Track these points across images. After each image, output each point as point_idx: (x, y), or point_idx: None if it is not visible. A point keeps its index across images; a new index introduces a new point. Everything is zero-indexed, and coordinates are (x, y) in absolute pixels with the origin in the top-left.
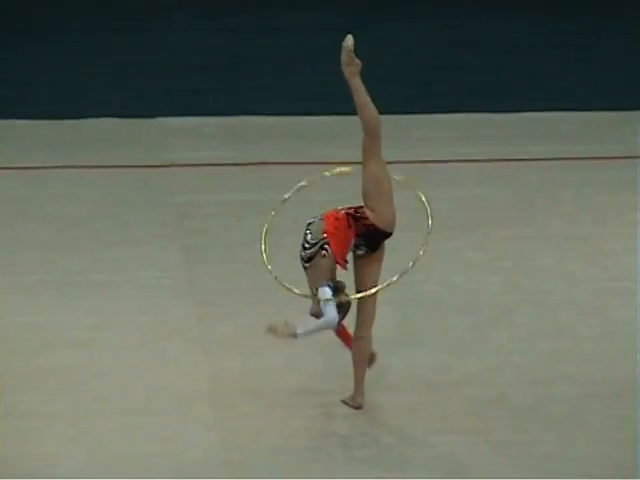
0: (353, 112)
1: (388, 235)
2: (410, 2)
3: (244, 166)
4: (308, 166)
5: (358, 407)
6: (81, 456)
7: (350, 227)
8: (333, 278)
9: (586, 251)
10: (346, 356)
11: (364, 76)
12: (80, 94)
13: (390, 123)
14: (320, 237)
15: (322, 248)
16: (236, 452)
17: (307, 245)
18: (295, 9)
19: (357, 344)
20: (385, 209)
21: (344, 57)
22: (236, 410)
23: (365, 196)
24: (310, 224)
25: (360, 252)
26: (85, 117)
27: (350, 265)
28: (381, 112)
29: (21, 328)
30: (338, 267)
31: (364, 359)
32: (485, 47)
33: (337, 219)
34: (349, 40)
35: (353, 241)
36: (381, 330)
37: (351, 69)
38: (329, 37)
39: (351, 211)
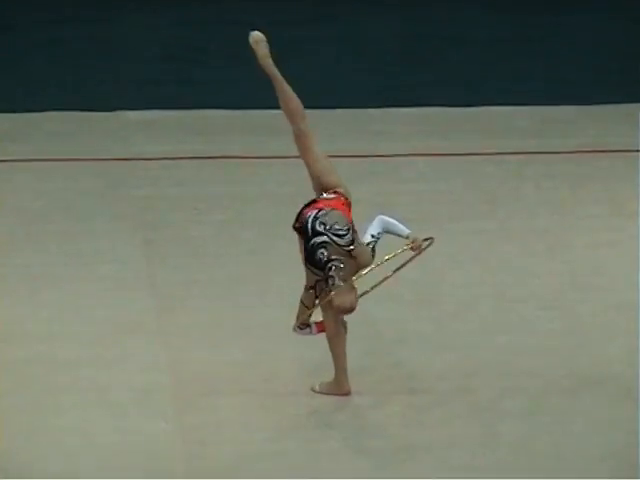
0: (315, 107)
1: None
2: None
3: (204, 159)
4: (267, 160)
5: (344, 394)
6: (36, 450)
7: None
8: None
9: (546, 245)
10: (312, 350)
11: (325, 67)
12: (38, 87)
13: (351, 117)
14: (348, 224)
15: (334, 266)
16: (195, 445)
17: (342, 232)
18: (252, 1)
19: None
20: (340, 179)
21: (251, 40)
22: (196, 404)
23: (325, 177)
24: (320, 215)
25: None
26: (44, 110)
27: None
28: (341, 106)
29: None
30: None
31: (337, 344)
32: (445, 40)
33: (345, 205)
34: (255, 36)
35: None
36: None
37: (259, 51)
38: (290, 30)
39: (339, 195)
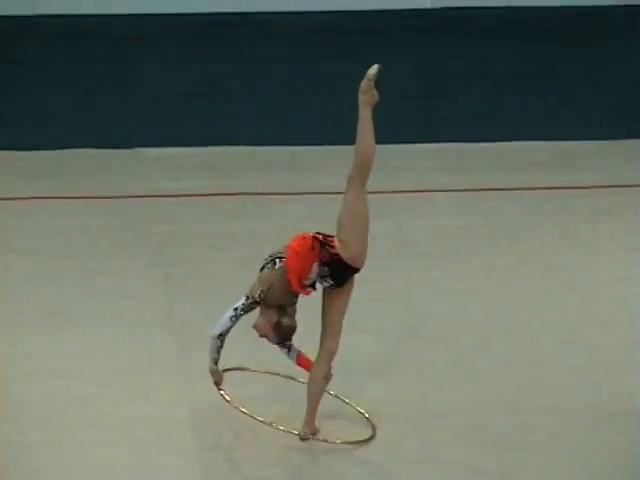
0: (333, 143)
1: (355, 270)
2: (394, 33)
3: (223, 196)
4: (287, 196)
5: (305, 438)
6: None
7: (314, 249)
8: (288, 302)
9: (565, 280)
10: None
11: (343, 103)
12: (58, 125)
13: None
14: (279, 251)
15: (274, 261)
16: None
17: (266, 257)
18: (276, 38)
19: (312, 377)
20: (354, 243)
21: (363, 84)
22: (216, 439)
23: (339, 227)
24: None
25: (326, 284)
26: (63, 148)
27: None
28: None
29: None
30: (302, 293)
31: (317, 392)
32: (465, 76)
33: (303, 238)
34: (373, 69)
35: (316, 268)
36: (359, 360)
37: (366, 98)
38: (310, 67)
39: (320, 236)
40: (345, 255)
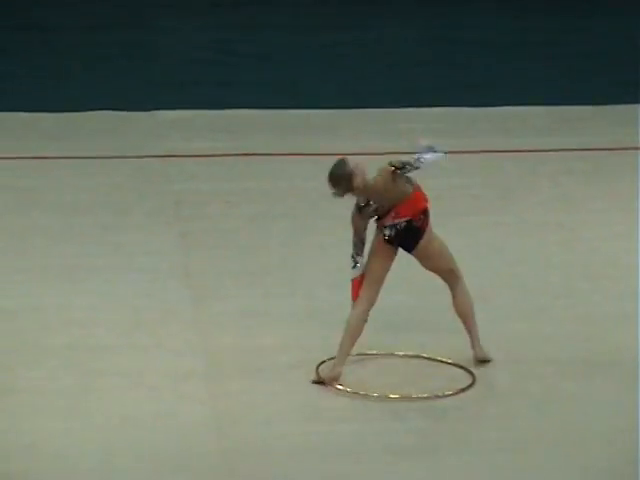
0: (340, 107)
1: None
2: (396, 2)
3: (235, 156)
4: (296, 157)
5: (334, 377)
6: (77, 431)
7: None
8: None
9: (561, 237)
10: (338, 335)
11: (353, 69)
12: (80, 88)
13: (378, 116)
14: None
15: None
16: (229, 425)
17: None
18: (282, 7)
19: (352, 314)
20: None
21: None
22: (230, 386)
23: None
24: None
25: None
26: (84, 110)
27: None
28: (369, 105)
29: (25, 309)
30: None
31: (352, 332)
32: (465, 44)
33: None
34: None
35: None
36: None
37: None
38: (314, 34)
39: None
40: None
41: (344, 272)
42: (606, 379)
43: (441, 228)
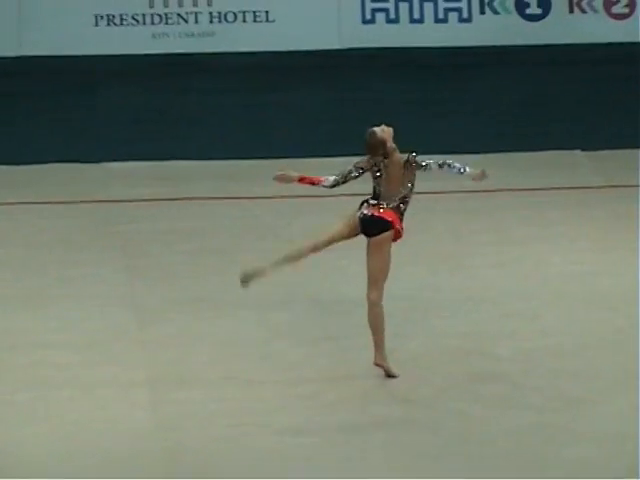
0: (264, 157)
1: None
2: (309, 69)
3: (172, 201)
4: (224, 200)
5: (387, 371)
6: (38, 437)
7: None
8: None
9: (449, 266)
10: (275, 347)
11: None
12: (38, 144)
13: (292, 165)
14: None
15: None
16: (170, 429)
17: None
18: (214, 74)
19: (370, 311)
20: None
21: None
22: (170, 396)
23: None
24: None
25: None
26: (43, 163)
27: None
28: (285, 156)
29: None
30: None
31: (378, 324)
32: (366, 103)
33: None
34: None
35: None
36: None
37: None
38: (238, 96)
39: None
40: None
41: (264, 299)
42: (488, 391)
43: (346, 259)
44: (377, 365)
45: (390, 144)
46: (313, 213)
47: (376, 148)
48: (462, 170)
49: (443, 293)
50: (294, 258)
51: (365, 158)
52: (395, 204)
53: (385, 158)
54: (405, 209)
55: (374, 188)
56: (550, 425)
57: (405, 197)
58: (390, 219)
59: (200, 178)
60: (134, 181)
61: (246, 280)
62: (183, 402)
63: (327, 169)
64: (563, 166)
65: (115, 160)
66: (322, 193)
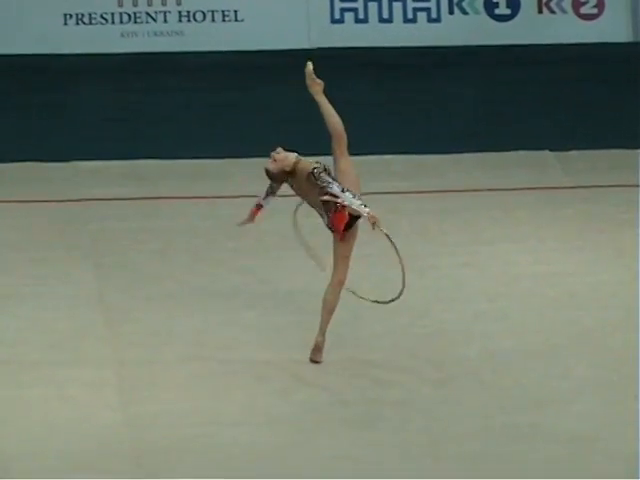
0: (231, 156)
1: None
2: (278, 68)
3: (142, 200)
4: (194, 200)
5: (316, 346)
6: (8, 436)
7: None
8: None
9: (418, 266)
10: (244, 345)
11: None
12: (10, 143)
13: (261, 164)
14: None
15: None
16: (139, 428)
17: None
18: (183, 73)
19: (333, 290)
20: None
21: (307, 80)
22: (139, 395)
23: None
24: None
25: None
26: (13, 162)
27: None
28: (255, 155)
29: None
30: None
31: (335, 305)
32: (336, 103)
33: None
34: (309, 66)
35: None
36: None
37: (315, 88)
38: (207, 95)
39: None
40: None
41: (233, 296)
42: (457, 391)
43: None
44: (317, 344)
45: (287, 167)
46: (283, 212)
47: (278, 179)
48: (360, 209)
49: (412, 293)
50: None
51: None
52: (325, 207)
53: (291, 177)
54: (338, 198)
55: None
56: (519, 425)
57: (327, 200)
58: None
59: (169, 177)
60: (103, 180)
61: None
62: (153, 401)
63: None
64: (532, 166)
65: (84, 159)
66: (292, 192)
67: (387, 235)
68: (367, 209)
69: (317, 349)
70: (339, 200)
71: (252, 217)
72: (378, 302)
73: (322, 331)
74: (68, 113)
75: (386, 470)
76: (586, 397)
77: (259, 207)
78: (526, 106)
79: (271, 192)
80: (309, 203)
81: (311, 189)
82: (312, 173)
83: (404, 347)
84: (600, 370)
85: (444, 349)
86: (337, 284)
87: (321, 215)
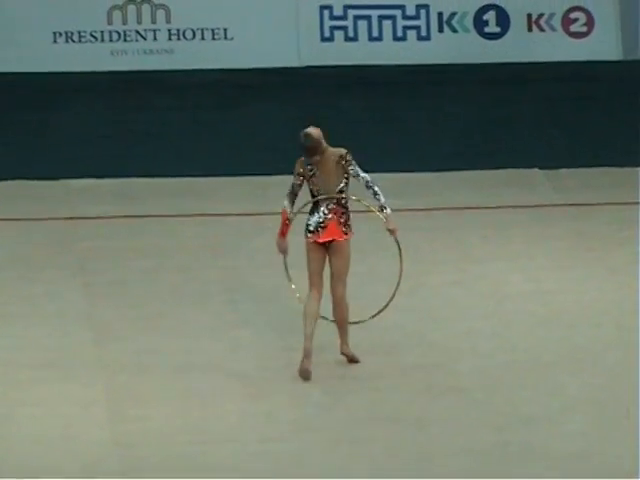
0: (222, 174)
1: None
2: (268, 86)
3: (132, 218)
4: (183, 218)
5: (352, 358)
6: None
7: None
8: None
9: (408, 285)
10: (233, 363)
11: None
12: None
13: (251, 183)
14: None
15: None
16: (126, 446)
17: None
18: (171, 92)
19: (338, 305)
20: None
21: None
22: (127, 412)
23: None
24: None
25: None
26: (3, 180)
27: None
28: (244, 174)
29: None
30: None
31: (346, 316)
32: (326, 121)
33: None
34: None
35: None
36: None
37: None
38: (197, 113)
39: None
40: None
41: (223, 314)
42: (447, 408)
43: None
44: (343, 354)
45: (322, 139)
46: (272, 230)
47: (315, 148)
48: (384, 206)
49: (402, 311)
50: (312, 315)
51: (297, 163)
52: (335, 201)
53: (321, 156)
54: (347, 201)
55: (311, 190)
56: (508, 443)
57: (342, 191)
58: (338, 230)
59: (159, 195)
60: (93, 198)
61: (307, 376)
62: (142, 419)
63: (286, 186)
64: (521, 184)
65: (74, 177)
66: (280, 211)
67: (397, 241)
68: (389, 210)
69: (351, 358)
70: (369, 190)
71: (285, 236)
72: (357, 322)
73: (345, 341)
74: (58, 131)
75: None
76: (577, 415)
77: (288, 223)
78: (515, 124)
79: (293, 194)
80: (324, 191)
81: (337, 173)
82: (347, 153)
83: (394, 365)
84: (591, 388)
85: (434, 367)
86: (343, 296)
87: (325, 206)
